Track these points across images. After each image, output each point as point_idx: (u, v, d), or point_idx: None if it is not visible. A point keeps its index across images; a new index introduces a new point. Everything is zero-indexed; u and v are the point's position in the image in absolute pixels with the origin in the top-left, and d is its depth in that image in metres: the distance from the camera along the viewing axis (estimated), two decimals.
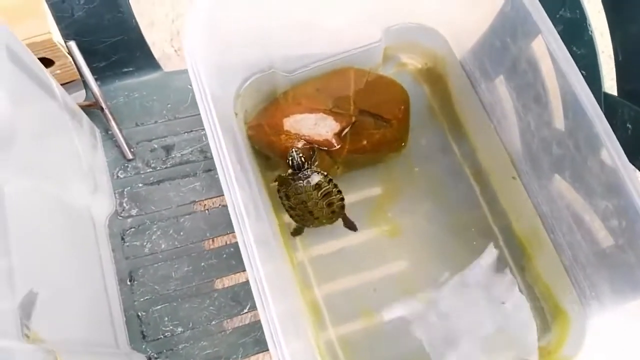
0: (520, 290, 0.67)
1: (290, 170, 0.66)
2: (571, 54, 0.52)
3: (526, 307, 0.66)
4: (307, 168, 0.65)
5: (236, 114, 0.69)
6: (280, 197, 0.67)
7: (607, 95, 0.62)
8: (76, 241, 0.60)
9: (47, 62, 0.68)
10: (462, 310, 0.66)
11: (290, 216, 0.68)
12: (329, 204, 0.66)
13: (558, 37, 0.53)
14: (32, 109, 0.54)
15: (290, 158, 0.65)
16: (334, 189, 0.66)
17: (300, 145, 0.67)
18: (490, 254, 0.68)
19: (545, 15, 0.54)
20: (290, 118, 0.68)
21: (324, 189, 0.65)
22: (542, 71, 0.58)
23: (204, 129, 0.60)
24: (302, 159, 0.65)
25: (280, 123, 0.68)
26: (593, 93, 0.51)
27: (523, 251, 0.68)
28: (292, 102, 0.70)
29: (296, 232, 0.70)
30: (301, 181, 0.65)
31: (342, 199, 0.67)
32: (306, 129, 0.68)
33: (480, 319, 0.66)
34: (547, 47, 0.54)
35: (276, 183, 0.67)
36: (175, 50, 0.81)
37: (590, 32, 0.62)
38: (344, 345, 0.65)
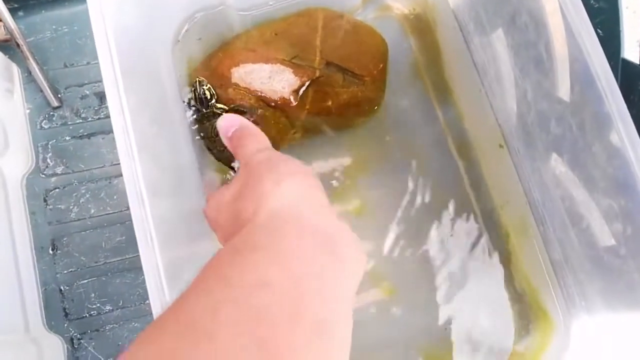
0: (500, 287, 0.58)
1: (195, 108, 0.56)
2: (587, 7, 0.40)
3: (503, 308, 0.57)
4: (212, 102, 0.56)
5: (174, 59, 0.57)
6: (208, 148, 0.57)
7: (626, 62, 0.50)
8: None
9: None
10: (428, 306, 0.57)
11: (218, 159, 0.58)
12: None
13: None
14: None
15: (192, 89, 0.55)
16: None
17: (249, 102, 0.56)
18: (468, 244, 0.58)
19: None
20: (241, 68, 0.57)
21: None
22: (548, 28, 0.45)
23: None
24: (210, 91, 0.55)
25: (227, 74, 0.56)
26: (609, 58, 0.40)
27: (507, 242, 0.58)
28: (244, 49, 0.58)
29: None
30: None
31: None
32: (258, 83, 0.56)
33: (449, 317, 0.57)
34: None
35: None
36: None
37: None
38: None
